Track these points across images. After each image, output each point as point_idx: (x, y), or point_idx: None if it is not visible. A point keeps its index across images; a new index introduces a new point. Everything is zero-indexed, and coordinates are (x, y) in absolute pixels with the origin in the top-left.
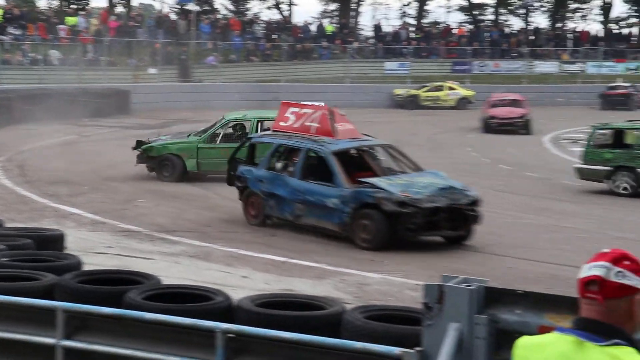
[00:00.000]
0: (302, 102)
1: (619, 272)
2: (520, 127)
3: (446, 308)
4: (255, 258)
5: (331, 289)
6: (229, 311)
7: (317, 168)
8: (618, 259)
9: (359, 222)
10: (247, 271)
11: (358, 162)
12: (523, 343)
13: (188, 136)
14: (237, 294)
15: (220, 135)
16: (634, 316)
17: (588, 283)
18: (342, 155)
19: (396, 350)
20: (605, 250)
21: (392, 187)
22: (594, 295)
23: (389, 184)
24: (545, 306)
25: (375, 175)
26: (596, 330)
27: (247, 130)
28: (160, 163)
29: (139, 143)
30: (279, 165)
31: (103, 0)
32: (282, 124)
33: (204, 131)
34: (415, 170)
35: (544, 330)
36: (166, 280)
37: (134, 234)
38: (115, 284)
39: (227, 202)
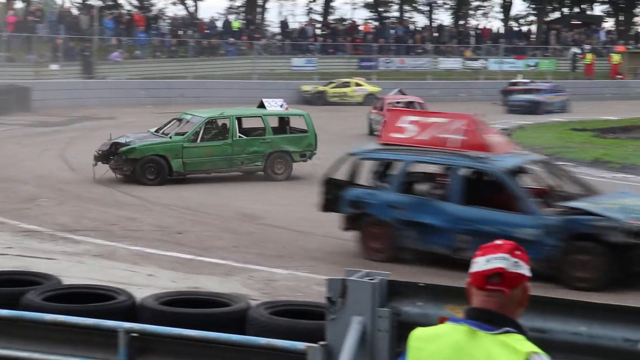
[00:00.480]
0: (428, 110)
1: (516, 262)
2: None
3: (349, 302)
4: (161, 256)
5: (239, 286)
6: (132, 310)
7: (482, 190)
8: (512, 250)
9: (573, 257)
10: (153, 269)
11: (525, 182)
12: (417, 334)
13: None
14: (142, 293)
15: (200, 134)
16: (523, 303)
17: (491, 275)
18: (516, 174)
19: (301, 345)
20: (498, 242)
21: (611, 213)
22: (498, 287)
23: (603, 208)
24: (446, 298)
25: (545, 197)
26: (488, 320)
27: (228, 128)
28: (143, 166)
29: (116, 145)
30: (420, 187)
31: None
32: (396, 135)
33: (184, 133)
34: (589, 190)
35: (444, 321)
36: (68, 281)
37: (36, 234)
38: (14, 286)
39: (133, 200)
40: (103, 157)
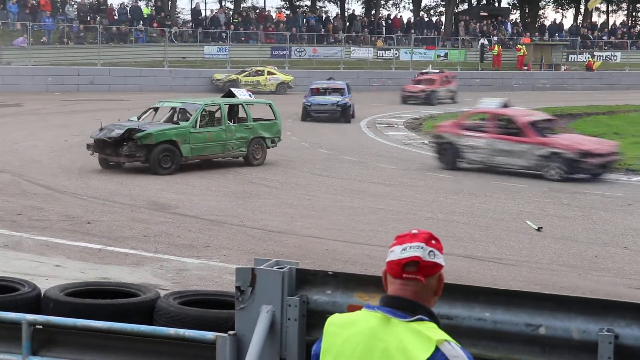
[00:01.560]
0: None
1: (431, 251)
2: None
3: (258, 291)
4: (69, 246)
5: (149, 276)
6: (36, 302)
7: None
8: (428, 239)
9: None
10: (60, 260)
11: None
12: (334, 320)
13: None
14: (49, 284)
15: (198, 120)
16: (438, 292)
17: (407, 264)
18: None
19: (210, 334)
20: (414, 231)
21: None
22: (414, 276)
23: None
24: (354, 286)
25: None
26: (402, 307)
27: (219, 115)
28: (159, 155)
29: (131, 131)
30: None
31: None
32: None
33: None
34: None
35: (353, 308)
36: None
37: None
38: None
39: (40, 189)
40: (102, 145)
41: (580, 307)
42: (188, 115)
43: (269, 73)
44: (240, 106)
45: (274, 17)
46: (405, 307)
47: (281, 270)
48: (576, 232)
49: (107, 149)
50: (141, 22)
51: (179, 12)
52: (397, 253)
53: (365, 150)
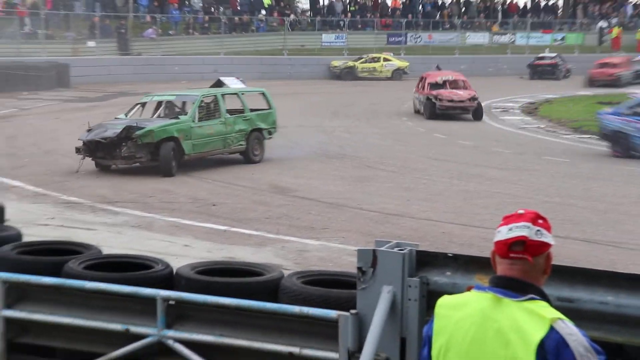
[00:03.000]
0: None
1: (538, 230)
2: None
3: (379, 271)
4: (196, 227)
5: (271, 256)
6: (169, 279)
7: None
8: (534, 219)
9: None
10: (189, 240)
11: None
12: (444, 302)
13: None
14: (179, 263)
15: (196, 113)
16: (547, 271)
17: (514, 244)
18: None
19: (333, 313)
20: (520, 211)
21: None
22: (521, 255)
23: None
24: (474, 268)
25: None
26: (512, 287)
27: (216, 107)
28: (170, 152)
29: (129, 130)
30: None
31: None
32: None
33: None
34: None
35: (471, 289)
36: (108, 250)
37: (76, 205)
38: (56, 255)
39: None
40: (95, 147)
41: None
42: (177, 109)
43: (385, 60)
44: (238, 96)
45: (389, 4)
46: (516, 287)
47: (402, 252)
48: None
49: (99, 151)
50: (262, 12)
51: (298, 1)
52: (504, 233)
53: (480, 135)
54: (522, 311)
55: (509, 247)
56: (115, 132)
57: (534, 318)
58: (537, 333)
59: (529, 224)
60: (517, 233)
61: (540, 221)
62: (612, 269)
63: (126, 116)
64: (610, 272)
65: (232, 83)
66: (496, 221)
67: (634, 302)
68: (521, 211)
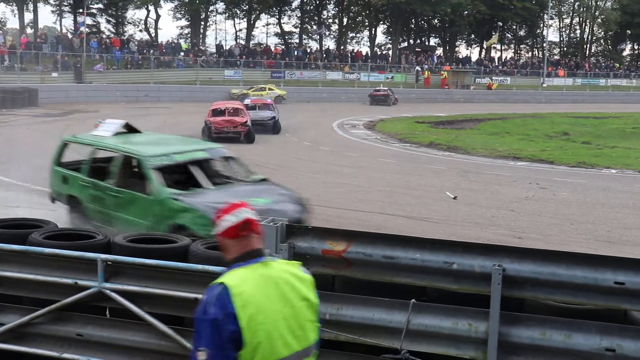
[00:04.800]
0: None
1: (253, 212)
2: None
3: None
4: None
5: None
6: (107, 245)
7: None
8: (242, 206)
9: None
10: None
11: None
12: (233, 283)
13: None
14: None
15: None
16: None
17: (246, 224)
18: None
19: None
20: (236, 202)
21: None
22: (256, 231)
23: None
24: (326, 236)
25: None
26: (264, 253)
27: None
28: None
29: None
30: None
31: (16, 23)
32: None
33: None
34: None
35: (326, 252)
36: (62, 225)
37: (42, 192)
38: (22, 229)
39: None
40: None
41: (481, 250)
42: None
43: (270, 89)
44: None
45: (272, 50)
46: (263, 252)
47: (275, 225)
48: (479, 199)
49: None
50: (181, 53)
51: (207, 47)
52: (235, 217)
53: (335, 143)
54: (285, 264)
55: (243, 226)
56: None
57: (291, 264)
58: (305, 275)
59: (247, 209)
60: (246, 216)
61: (247, 206)
62: (422, 235)
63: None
64: (418, 237)
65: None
66: (346, 204)
67: (433, 258)
68: (237, 202)
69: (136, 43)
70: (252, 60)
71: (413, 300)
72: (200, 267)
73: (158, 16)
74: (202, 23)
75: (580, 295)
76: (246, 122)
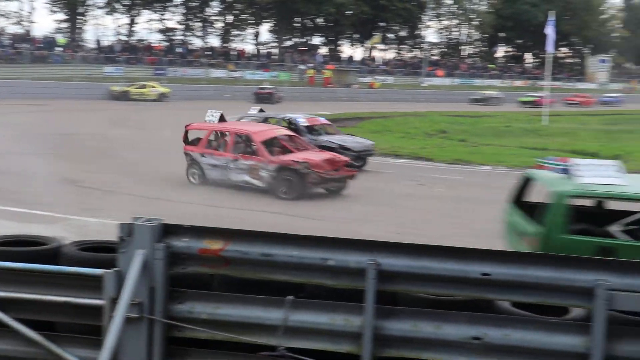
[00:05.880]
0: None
1: None
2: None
3: (135, 239)
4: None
5: (60, 231)
6: None
7: None
8: None
9: None
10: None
11: None
12: None
13: None
14: None
15: None
16: None
17: None
18: None
19: (99, 271)
20: None
21: None
22: None
23: None
24: (203, 234)
25: None
26: None
27: None
28: None
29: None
30: None
31: None
32: None
33: None
34: None
35: (204, 251)
36: None
37: None
38: None
39: None
40: None
41: (356, 246)
42: None
43: (152, 86)
44: None
45: (155, 47)
46: None
47: (151, 224)
48: (361, 196)
49: None
50: (58, 48)
51: (86, 42)
52: None
53: None
54: None
55: None
56: None
57: None
58: None
59: None
60: None
61: None
62: (301, 233)
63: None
64: (297, 235)
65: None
66: (225, 202)
67: (310, 255)
68: None
69: (9, 37)
70: (134, 56)
71: (291, 297)
72: (71, 269)
73: (32, 8)
74: (81, 17)
75: (450, 287)
76: (348, 161)
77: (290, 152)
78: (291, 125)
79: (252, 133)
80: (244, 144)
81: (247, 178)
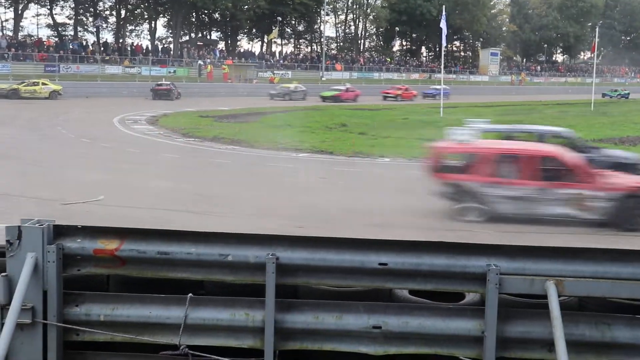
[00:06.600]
0: None
1: None
2: None
3: (24, 242)
4: None
5: None
6: None
7: None
8: None
9: None
10: None
11: None
12: None
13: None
14: None
15: None
16: None
17: None
18: None
19: None
20: None
21: None
22: None
23: None
24: (97, 234)
25: None
26: None
27: None
28: None
29: None
30: None
31: None
32: None
33: None
34: None
35: (98, 252)
36: None
37: None
38: None
39: None
40: None
41: (255, 241)
42: None
43: (43, 84)
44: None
45: (45, 42)
46: None
47: (42, 226)
48: (263, 192)
49: None
50: None
51: None
52: None
53: (118, 139)
54: None
55: None
56: None
57: None
58: None
59: None
60: None
61: None
62: (202, 230)
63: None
64: (194, 231)
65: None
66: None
67: (209, 251)
68: None
69: None
70: (22, 53)
71: (190, 294)
72: None
73: None
74: None
75: (349, 278)
76: None
77: (578, 175)
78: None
79: (561, 155)
80: (551, 168)
81: (566, 210)
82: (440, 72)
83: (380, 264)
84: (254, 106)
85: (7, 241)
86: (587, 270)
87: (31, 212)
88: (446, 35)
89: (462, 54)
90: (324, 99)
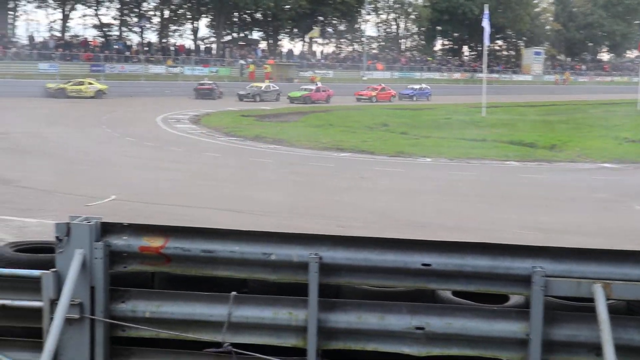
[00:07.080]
0: None
1: None
2: None
3: (72, 239)
4: None
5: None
6: None
7: None
8: None
9: None
10: None
11: None
12: None
13: None
14: None
15: None
16: None
17: None
18: None
19: (37, 272)
20: None
21: None
22: None
23: None
24: (143, 232)
25: None
26: None
27: None
28: None
29: None
30: None
31: None
32: None
33: None
34: None
35: (144, 249)
36: None
37: None
38: None
39: None
40: None
41: (298, 240)
42: None
43: (89, 83)
44: None
45: (91, 43)
46: None
47: (89, 223)
48: (304, 190)
49: None
50: None
51: (18, 38)
52: None
53: (160, 137)
54: None
55: None
56: None
57: None
58: None
59: None
60: None
61: None
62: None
63: None
64: (238, 230)
65: None
66: (170, 199)
67: (252, 250)
68: None
69: None
70: (69, 53)
71: (234, 292)
72: (5, 271)
73: None
74: (11, 12)
75: (392, 278)
76: None
77: None
78: None
79: None
80: None
81: None
82: (482, 71)
83: (423, 264)
84: (296, 106)
85: (57, 237)
86: (636, 274)
87: (80, 210)
88: (489, 34)
89: (505, 53)
90: (292, 100)
